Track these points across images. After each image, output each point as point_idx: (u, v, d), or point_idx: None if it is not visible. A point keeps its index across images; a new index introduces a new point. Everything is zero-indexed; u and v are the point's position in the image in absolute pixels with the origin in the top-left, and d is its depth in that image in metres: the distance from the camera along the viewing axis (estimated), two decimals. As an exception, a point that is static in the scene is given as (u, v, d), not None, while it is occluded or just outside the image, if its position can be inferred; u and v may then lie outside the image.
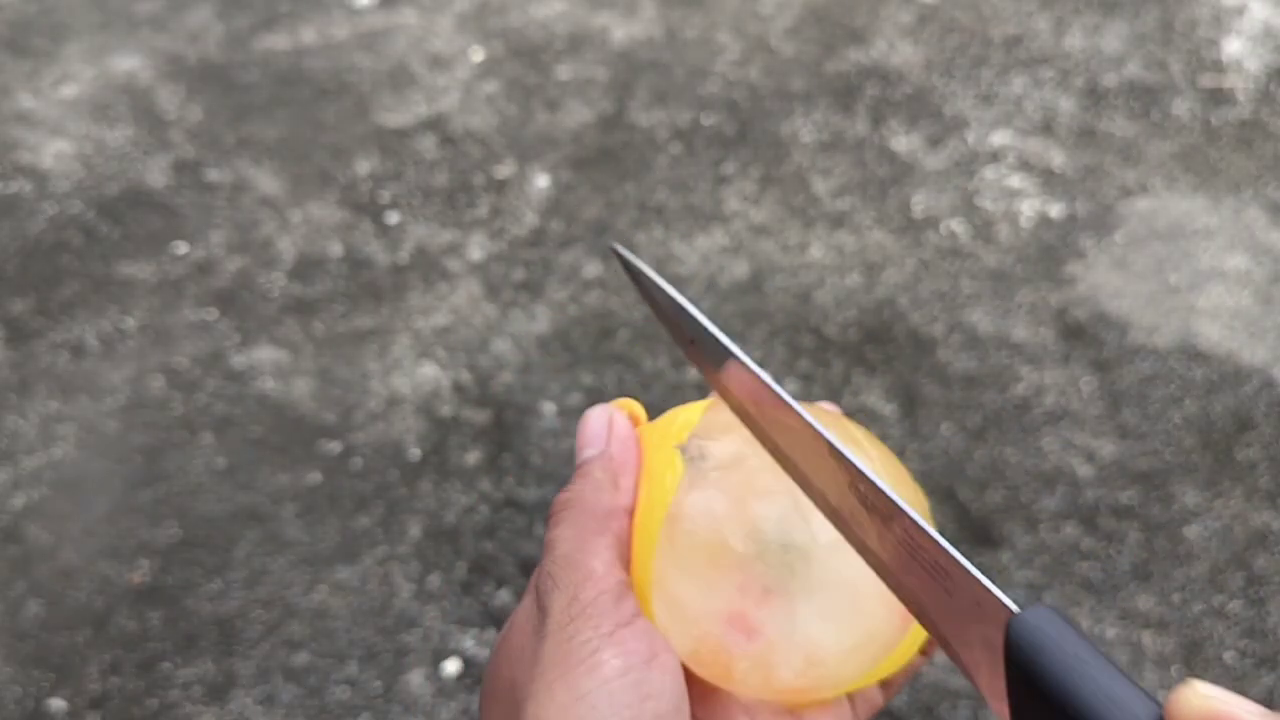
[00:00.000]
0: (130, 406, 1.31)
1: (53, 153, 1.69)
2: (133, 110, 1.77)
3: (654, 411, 0.38)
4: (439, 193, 1.59)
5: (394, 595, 1.11)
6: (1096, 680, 0.23)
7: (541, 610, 0.33)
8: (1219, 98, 1.72)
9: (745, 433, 0.36)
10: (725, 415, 0.37)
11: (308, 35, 1.93)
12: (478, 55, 1.87)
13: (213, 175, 1.64)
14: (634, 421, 0.41)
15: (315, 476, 1.22)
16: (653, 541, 0.34)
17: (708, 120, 1.71)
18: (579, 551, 0.34)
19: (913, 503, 0.34)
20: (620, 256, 0.38)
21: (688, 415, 0.37)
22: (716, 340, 0.36)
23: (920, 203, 1.54)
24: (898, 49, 1.84)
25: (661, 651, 0.32)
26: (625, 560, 0.34)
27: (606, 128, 1.70)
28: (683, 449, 0.36)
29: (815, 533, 0.34)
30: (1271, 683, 1.02)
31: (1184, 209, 1.50)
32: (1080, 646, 0.23)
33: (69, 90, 1.82)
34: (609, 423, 0.37)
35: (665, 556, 0.34)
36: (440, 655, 1.06)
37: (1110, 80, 1.76)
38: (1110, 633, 1.06)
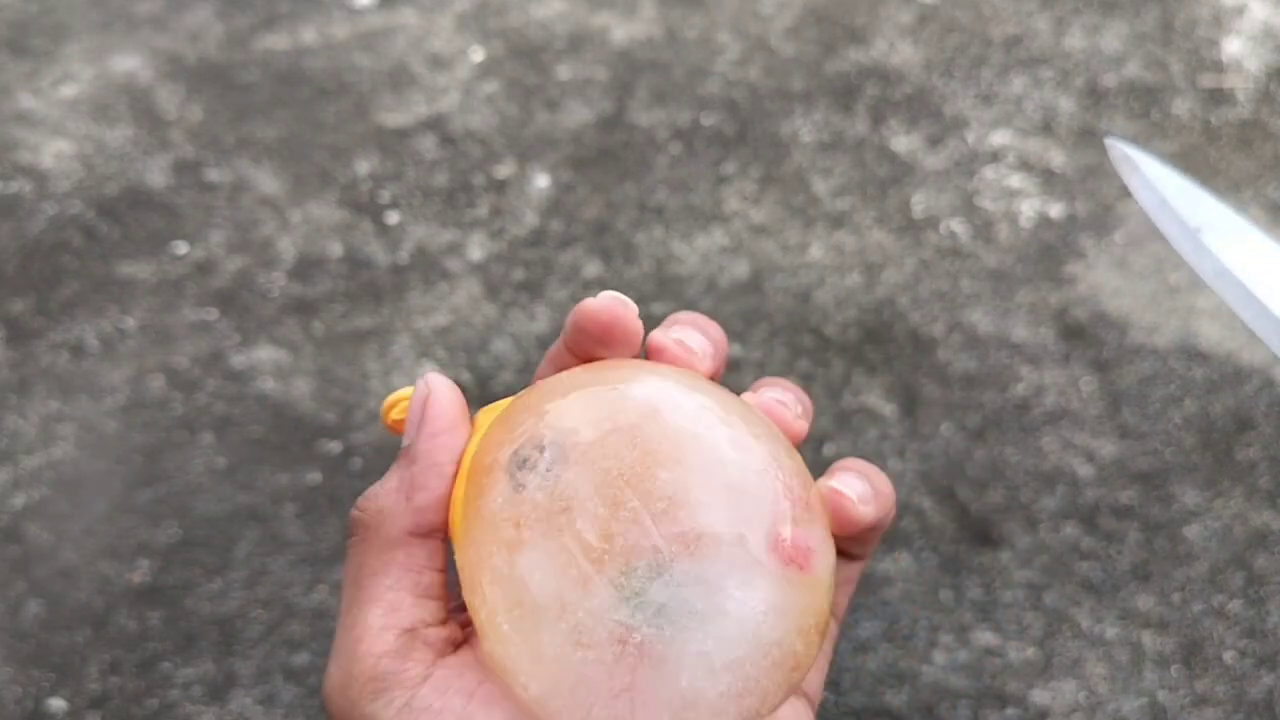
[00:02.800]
0: (130, 406, 1.31)
1: (53, 153, 1.69)
2: (133, 110, 1.77)
3: None
4: (439, 193, 1.59)
5: (394, 595, 1.11)
6: None
7: (325, 701, 0.26)
8: (1219, 98, 1.72)
9: (587, 424, 0.27)
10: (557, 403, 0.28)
11: (308, 35, 1.93)
12: (478, 55, 1.87)
13: (213, 175, 1.64)
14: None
15: (315, 476, 1.22)
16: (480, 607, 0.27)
17: (708, 120, 1.71)
18: (356, 603, 0.26)
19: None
20: (1113, 148, 0.31)
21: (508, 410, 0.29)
22: (1237, 222, 0.29)
23: (920, 203, 1.55)
24: (898, 49, 1.84)
25: (475, 690, 0.25)
26: (420, 588, 0.27)
27: (606, 128, 1.70)
28: (503, 465, 0.27)
29: (666, 540, 0.26)
30: (1271, 683, 1.02)
31: (1184, 209, 1.50)
32: None
33: (69, 90, 1.82)
34: (422, 404, 0.28)
35: (496, 639, 0.26)
36: (440, 655, 1.06)
37: (1110, 80, 1.76)
38: (1110, 633, 1.06)
